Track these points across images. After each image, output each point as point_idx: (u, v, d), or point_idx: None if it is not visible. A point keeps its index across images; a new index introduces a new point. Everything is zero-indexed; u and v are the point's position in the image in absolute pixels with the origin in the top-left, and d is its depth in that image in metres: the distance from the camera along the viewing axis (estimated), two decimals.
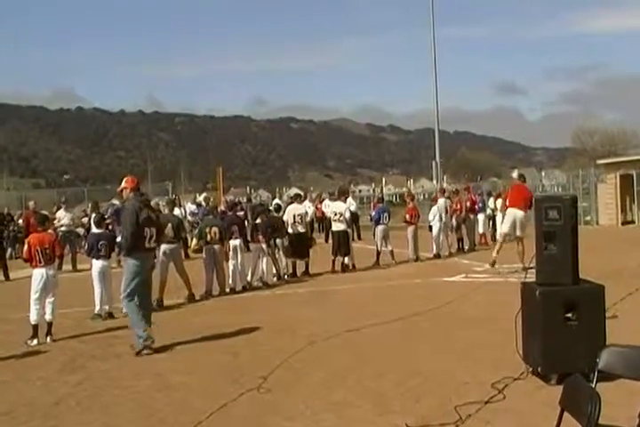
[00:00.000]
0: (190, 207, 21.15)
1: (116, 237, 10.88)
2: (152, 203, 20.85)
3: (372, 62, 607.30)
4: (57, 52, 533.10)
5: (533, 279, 5.81)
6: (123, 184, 7.84)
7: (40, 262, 8.14)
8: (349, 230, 14.53)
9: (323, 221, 21.47)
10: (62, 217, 17.28)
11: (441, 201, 16.29)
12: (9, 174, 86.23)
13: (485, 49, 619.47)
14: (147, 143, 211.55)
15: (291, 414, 5.06)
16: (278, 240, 12.89)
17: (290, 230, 13.29)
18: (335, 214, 14.03)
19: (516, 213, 12.48)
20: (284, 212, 13.78)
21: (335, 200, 14.83)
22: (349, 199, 21.09)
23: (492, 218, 19.69)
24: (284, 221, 13.31)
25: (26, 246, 8.28)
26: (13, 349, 7.73)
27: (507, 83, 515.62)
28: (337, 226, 13.99)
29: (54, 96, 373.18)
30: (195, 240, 12.02)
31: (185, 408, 5.33)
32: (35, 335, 7.97)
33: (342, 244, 13.85)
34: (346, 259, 14.13)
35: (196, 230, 12.66)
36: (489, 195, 21.45)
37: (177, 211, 18.49)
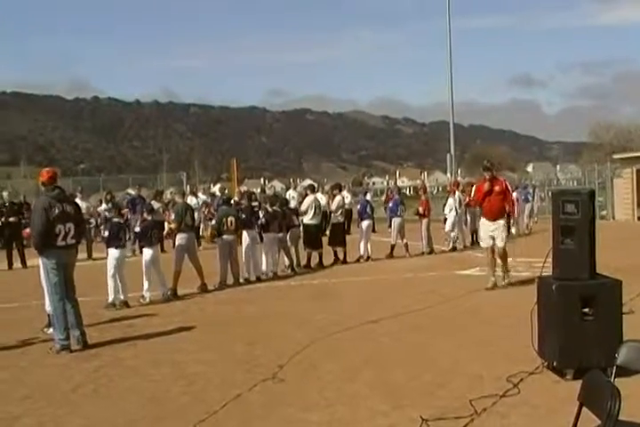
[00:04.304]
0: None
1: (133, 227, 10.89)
2: (168, 193, 20.55)
3: (388, 54, 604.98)
4: (73, 42, 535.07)
5: (549, 274, 5.78)
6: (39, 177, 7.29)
7: None
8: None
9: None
10: None
11: (455, 194, 16.23)
12: (26, 163, 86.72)
13: (502, 41, 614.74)
14: (162, 133, 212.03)
15: (305, 405, 5.08)
16: (294, 230, 12.94)
17: (307, 222, 13.35)
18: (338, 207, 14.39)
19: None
20: (299, 203, 13.86)
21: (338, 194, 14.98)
22: (344, 192, 21.00)
23: None
24: (297, 212, 13.38)
25: None
26: (33, 335, 7.80)
27: (523, 76, 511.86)
28: (337, 218, 14.39)
29: (71, 86, 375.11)
30: (212, 230, 12.06)
31: (200, 398, 5.36)
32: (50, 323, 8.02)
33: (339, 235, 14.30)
34: (361, 249, 14.24)
35: (214, 220, 12.66)
36: None
37: (194, 200, 18.67)
